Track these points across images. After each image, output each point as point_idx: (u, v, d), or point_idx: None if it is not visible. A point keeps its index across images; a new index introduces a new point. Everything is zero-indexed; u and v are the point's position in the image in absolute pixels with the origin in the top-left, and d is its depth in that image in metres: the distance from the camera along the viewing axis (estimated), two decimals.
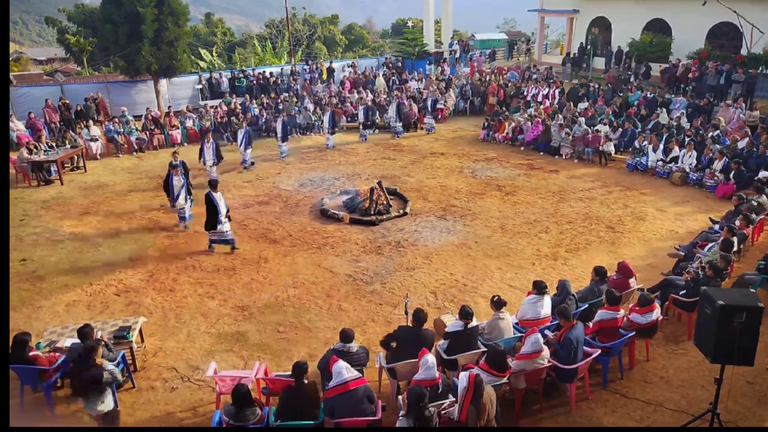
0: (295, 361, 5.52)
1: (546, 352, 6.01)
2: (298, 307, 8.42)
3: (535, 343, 5.91)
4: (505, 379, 5.75)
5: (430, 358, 5.53)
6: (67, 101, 19.05)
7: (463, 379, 5.05)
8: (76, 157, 15.64)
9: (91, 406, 5.33)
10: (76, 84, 22.74)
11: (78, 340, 6.18)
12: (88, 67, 29.08)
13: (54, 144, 15.39)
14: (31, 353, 6.25)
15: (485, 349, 6.13)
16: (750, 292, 5.79)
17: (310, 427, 5.24)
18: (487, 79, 23.71)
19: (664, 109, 17.03)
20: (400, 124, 18.90)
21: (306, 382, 5.38)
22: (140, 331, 7.34)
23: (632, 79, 21.40)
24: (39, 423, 6.17)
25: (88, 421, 6.14)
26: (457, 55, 28.82)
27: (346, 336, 5.97)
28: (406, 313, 6.92)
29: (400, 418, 4.96)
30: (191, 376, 6.85)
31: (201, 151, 13.94)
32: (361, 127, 18.86)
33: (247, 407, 5.17)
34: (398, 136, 18.69)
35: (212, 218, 10.04)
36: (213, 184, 10.22)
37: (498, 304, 6.67)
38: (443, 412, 5.34)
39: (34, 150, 14.51)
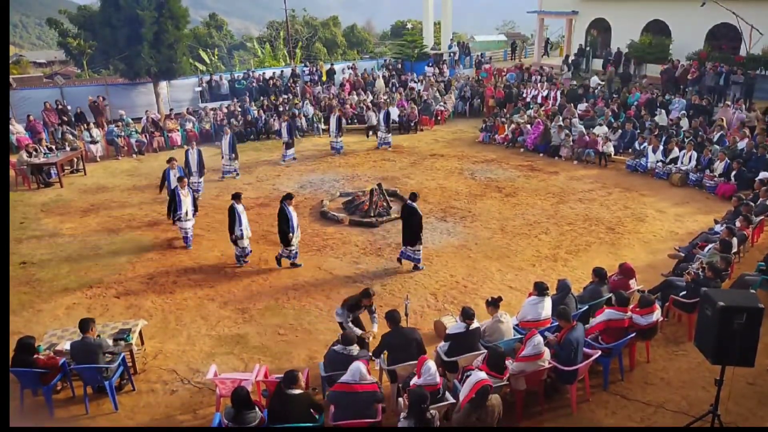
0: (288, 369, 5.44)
1: (547, 354, 6.00)
2: (298, 309, 8.41)
3: (537, 346, 5.89)
4: (504, 381, 5.74)
5: (432, 365, 5.47)
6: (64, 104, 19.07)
7: (471, 379, 5.04)
8: (75, 160, 15.64)
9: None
10: (76, 87, 22.74)
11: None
12: (87, 69, 29.10)
13: (53, 146, 15.40)
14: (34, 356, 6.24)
15: (485, 351, 6.11)
16: (750, 293, 5.79)
17: (309, 429, 5.23)
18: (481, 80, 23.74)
19: (663, 110, 17.04)
20: (341, 139, 16.99)
21: (295, 393, 5.21)
22: (140, 333, 7.33)
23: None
24: (38, 425, 6.16)
25: (87, 422, 6.15)
26: (456, 57, 28.83)
27: (348, 339, 5.96)
28: (406, 315, 6.92)
29: (401, 419, 4.95)
30: (191, 379, 6.85)
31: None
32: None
33: (246, 410, 5.16)
34: (338, 152, 16.90)
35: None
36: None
37: (494, 303, 6.63)
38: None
39: (34, 153, 14.51)
